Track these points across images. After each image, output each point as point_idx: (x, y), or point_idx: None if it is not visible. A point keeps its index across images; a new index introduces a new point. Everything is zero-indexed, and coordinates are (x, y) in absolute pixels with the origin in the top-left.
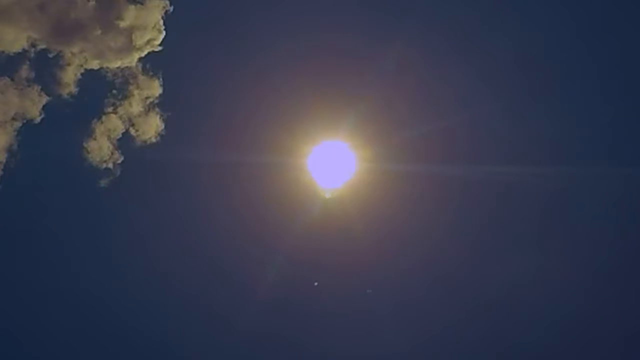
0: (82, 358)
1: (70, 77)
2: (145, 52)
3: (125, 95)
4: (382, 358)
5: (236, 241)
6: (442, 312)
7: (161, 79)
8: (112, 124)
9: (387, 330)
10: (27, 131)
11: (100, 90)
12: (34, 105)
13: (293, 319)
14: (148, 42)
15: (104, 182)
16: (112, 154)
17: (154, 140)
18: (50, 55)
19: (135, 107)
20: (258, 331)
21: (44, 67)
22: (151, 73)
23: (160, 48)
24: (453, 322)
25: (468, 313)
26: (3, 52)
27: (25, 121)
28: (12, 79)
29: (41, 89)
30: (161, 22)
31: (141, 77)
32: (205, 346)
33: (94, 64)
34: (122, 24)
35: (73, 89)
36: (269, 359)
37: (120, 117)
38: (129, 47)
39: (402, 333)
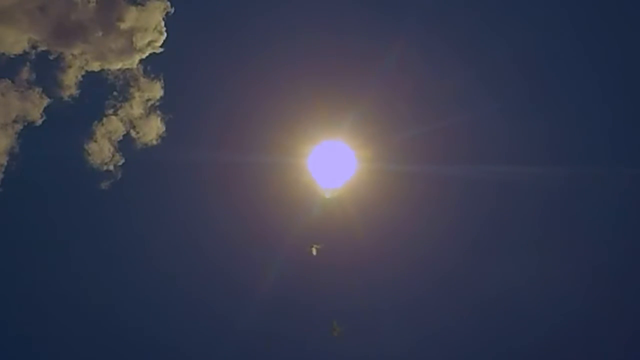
0: (83, 358)
1: (71, 79)
2: (147, 54)
3: (126, 97)
4: (382, 358)
5: (236, 241)
6: (442, 312)
7: (162, 81)
8: (113, 126)
9: (387, 330)
10: (28, 133)
11: (101, 92)
12: (35, 107)
13: (293, 319)
14: (149, 43)
15: (104, 184)
16: (113, 156)
17: (155, 142)
18: (51, 57)
19: (136, 109)
20: (258, 331)
21: (45, 69)
22: (152, 75)
23: (161, 50)
24: (453, 322)
25: (468, 313)
26: (3, 54)
27: (26, 123)
28: (13, 81)
29: (42, 91)
30: (162, 23)
31: (142, 79)
32: (205, 346)
33: (95, 66)
34: (123, 26)
35: (74, 91)
36: (269, 359)
37: (121, 119)
38: (130, 49)
39: (402, 333)
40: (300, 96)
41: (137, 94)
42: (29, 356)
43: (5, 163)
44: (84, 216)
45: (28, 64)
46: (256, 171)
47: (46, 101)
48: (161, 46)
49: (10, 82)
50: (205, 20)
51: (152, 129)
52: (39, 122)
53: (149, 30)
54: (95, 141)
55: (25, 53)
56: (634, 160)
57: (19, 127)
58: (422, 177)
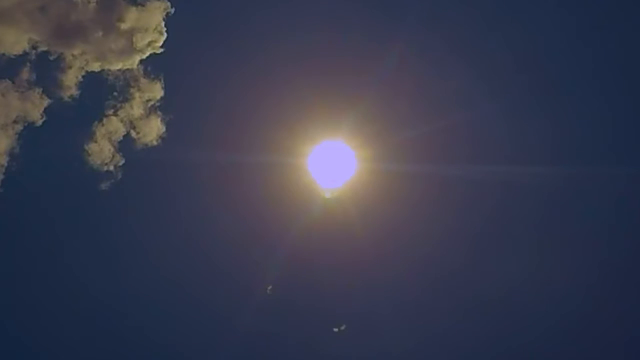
0: (83, 358)
1: (71, 79)
2: (147, 54)
3: (126, 98)
4: (382, 358)
5: (236, 241)
6: (442, 312)
7: (162, 82)
8: (113, 127)
9: (387, 330)
10: (28, 134)
11: (101, 93)
12: (35, 107)
13: (293, 319)
14: (149, 44)
15: (105, 185)
16: (113, 156)
17: (155, 142)
18: (51, 58)
19: (136, 109)
20: (258, 331)
21: (45, 69)
22: (152, 75)
23: (161, 50)
24: (453, 322)
25: (468, 313)
26: (4, 54)
27: (26, 124)
28: (13, 82)
29: (42, 92)
30: (162, 24)
31: (142, 80)
32: (205, 346)
33: (95, 66)
34: (123, 26)
35: (74, 91)
36: (269, 359)
37: (122, 120)
38: (130, 49)
39: (402, 333)
40: (300, 96)
41: (137, 95)
42: (29, 356)
43: (6, 163)
44: (84, 217)
45: (28, 64)
46: (256, 171)
47: (46, 102)
48: (161, 46)
49: (10, 82)
50: (205, 20)
51: (152, 130)
52: (39, 122)
53: (149, 30)
54: (96, 142)
55: (26, 53)
56: (634, 160)
57: (19, 127)
58: (422, 177)
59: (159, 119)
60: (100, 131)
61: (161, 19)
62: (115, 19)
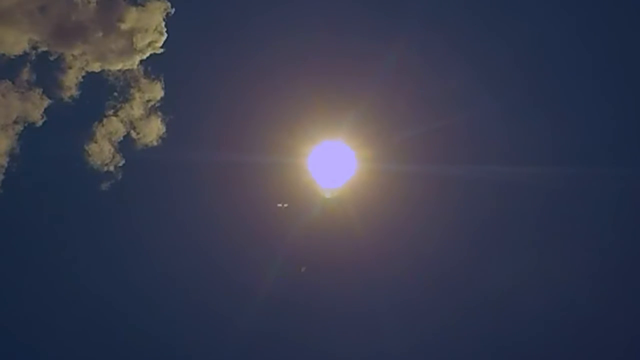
0: (83, 358)
1: (71, 79)
2: (147, 55)
3: (126, 98)
4: (382, 358)
5: (236, 241)
6: (442, 312)
7: (163, 82)
8: (113, 127)
9: (387, 330)
10: (29, 134)
11: (102, 93)
12: (36, 108)
13: (293, 319)
14: (149, 44)
15: (105, 185)
16: (114, 156)
17: (155, 143)
18: (52, 58)
19: (136, 109)
20: (258, 331)
21: (45, 69)
22: (153, 76)
23: (161, 50)
24: (453, 322)
25: (467, 313)
26: (4, 54)
27: (26, 124)
28: (13, 82)
29: (42, 92)
30: (163, 24)
31: (142, 80)
32: (205, 346)
33: (95, 67)
34: (124, 26)
35: (74, 91)
36: (269, 359)
37: (122, 120)
38: (130, 50)
39: (402, 333)
40: (300, 96)
41: (137, 95)
42: (29, 356)
43: (6, 164)
44: (84, 217)
45: (28, 64)
46: (256, 171)
47: (47, 102)
48: (161, 47)
49: (10, 83)
50: (205, 20)
51: (153, 130)
52: (40, 123)
53: (150, 30)
54: (96, 142)
55: (26, 54)
56: (634, 160)
57: (19, 128)
58: (422, 177)
59: (159, 119)
60: (100, 131)
61: (161, 19)
62: (115, 19)
